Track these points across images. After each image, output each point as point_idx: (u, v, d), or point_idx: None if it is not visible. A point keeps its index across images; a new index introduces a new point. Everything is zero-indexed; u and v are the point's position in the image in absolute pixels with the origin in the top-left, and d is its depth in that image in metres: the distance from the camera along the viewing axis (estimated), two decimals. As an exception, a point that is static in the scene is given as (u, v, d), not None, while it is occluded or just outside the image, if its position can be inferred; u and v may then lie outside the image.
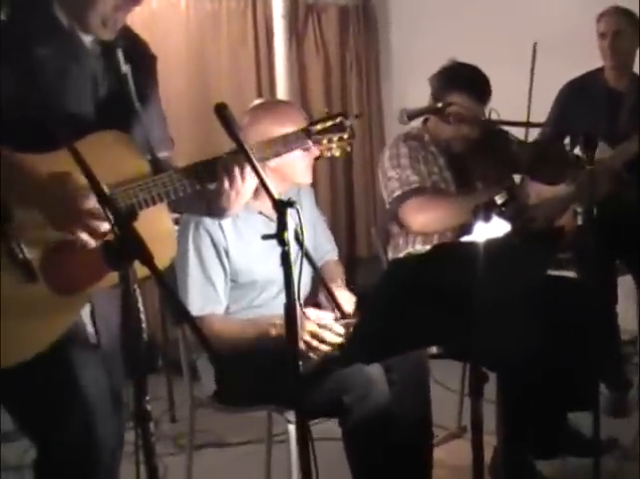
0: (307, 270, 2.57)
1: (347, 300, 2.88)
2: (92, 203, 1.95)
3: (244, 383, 2.70)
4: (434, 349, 3.02)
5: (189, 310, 2.77)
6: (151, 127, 2.23)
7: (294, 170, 2.84)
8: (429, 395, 2.87)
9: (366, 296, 2.55)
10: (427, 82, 3.39)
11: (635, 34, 3.97)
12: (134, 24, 2.30)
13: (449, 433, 3.66)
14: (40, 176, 1.97)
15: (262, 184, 1.99)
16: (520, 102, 3.04)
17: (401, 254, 3.36)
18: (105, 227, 1.95)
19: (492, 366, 2.49)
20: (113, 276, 1.72)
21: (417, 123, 3.36)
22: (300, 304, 2.11)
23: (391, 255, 3.45)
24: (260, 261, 2.82)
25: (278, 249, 1.89)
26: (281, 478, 2.89)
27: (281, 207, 1.90)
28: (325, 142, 2.36)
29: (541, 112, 3.87)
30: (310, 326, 2.68)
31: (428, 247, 2.92)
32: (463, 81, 3.29)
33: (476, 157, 3.37)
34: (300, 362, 1.96)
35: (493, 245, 2.09)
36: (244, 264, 2.85)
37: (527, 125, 3.10)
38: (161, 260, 1.97)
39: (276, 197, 1.93)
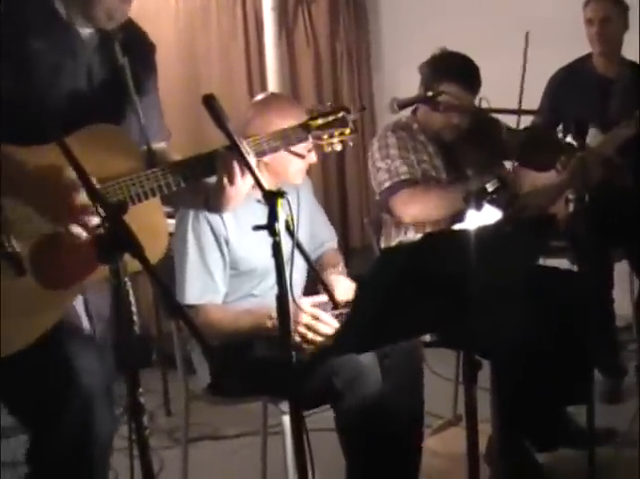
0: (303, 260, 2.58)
1: (346, 287, 2.88)
2: (83, 196, 1.94)
3: (238, 373, 2.70)
4: (427, 338, 3.03)
5: (186, 298, 2.79)
6: (147, 117, 2.22)
7: (287, 170, 2.84)
8: (421, 383, 2.87)
9: (357, 286, 2.54)
10: (418, 72, 3.39)
11: (622, 20, 3.97)
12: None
13: (444, 422, 3.66)
14: (32, 169, 1.97)
15: (252, 174, 1.99)
16: (511, 89, 3.03)
17: (392, 243, 3.36)
18: (95, 221, 1.95)
19: (485, 354, 2.49)
20: (102, 270, 1.71)
21: (406, 112, 3.36)
22: (294, 298, 2.11)
23: (383, 245, 3.45)
24: (259, 250, 2.81)
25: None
26: (277, 470, 2.89)
27: (271, 197, 1.90)
28: (326, 137, 2.36)
29: (532, 100, 3.87)
30: (305, 319, 2.68)
31: (419, 236, 2.92)
32: (453, 71, 3.29)
33: (466, 145, 3.36)
34: (294, 353, 1.96)
35: (485, 233, 2.09)
36: (244, 253, 2.85)
37: (519, 112, 3.09)
38: (153, 255, 1.97)
39: (266, 187, 1.93)
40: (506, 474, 3.05)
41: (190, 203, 2.43)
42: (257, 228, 1.91)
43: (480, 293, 2.08)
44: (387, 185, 3.31)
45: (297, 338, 2.64)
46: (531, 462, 3.10)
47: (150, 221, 2.12)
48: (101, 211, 1.72)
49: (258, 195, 2.80)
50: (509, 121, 3.35)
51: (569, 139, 3.03)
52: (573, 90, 4.01)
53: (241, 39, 5.27)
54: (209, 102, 2.02)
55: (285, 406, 2.68)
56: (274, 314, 2.57)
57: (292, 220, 2.01)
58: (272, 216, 1.89)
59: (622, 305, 4.02)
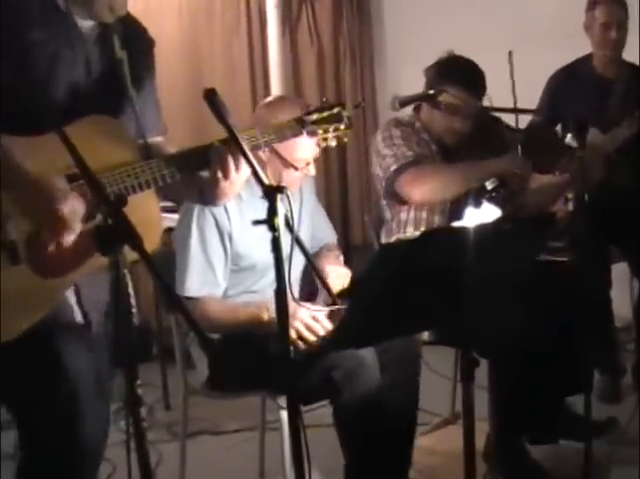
0: (301, 256, 2.58)
1: (343, 276, 2.89)
2: (69, 204, 1.96)
3: (236, 367, 2.71)
4: (426, 337, 3.03)
5: (186, 290, 2.79)
6: (144, 111, 2.22)
7: (294, 155, 2.82)
8: (418, 379, 2.87)
9: (357, 282, 2.55)
10: (421, 69, 3.38)
11: (627, 23, 3.98)
12: (127, 13, 2.30)
13: (442, 419, 3.66)
14: (26, 172, 1.97)
15: (252, 170, 1.99)
16: (511, 89, 3.03)
17: (392, 239, 3.36)
18: (79, 227, 1.96)
19: (483, 352, 2.50)
20: (97, 261, 1.71)
21: (408, 111, 3.36)
22: (292, 295, 2.11)
23: (383, 241, 3.45)
24: (261, 246, 2.81)
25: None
26: (275, 465, 2.90)
27: (271, 192, 1.90)
28: (321, 132, 2.36)
29: (532, 100, 3.88)
30: (305, 317, 2.69)
31: (418, 233, 2.93)
32: (458, 75, 3.28)
33: (468, 151, 3.35)
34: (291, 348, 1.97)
35: (484, 231, 2.09)
36: (246, 249, 2.85)
37: (517, 111, 3.09)
38: (146, 247, 1.97)
39: (266, 182, 1.93)
40: (504, 472, 3.07)
41: (185, 195, 2.42)
42: (257, 222, 1.91)
43: (479, 291, 2.09)
44: (394, 167, 3.27)
45: (292, 334, 2.64)
46: (528, 460, 3.10)
47: (144, 212, 2.11)
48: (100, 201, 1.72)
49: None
50: (509, 121, 3.36)
51: (569, 138, 3.03)
52: (573, 90, 4.00)
53: (244, 35, 5.28)
54: (210, 96, 2.02)
55: (283, 401, 2.68)
56: (271, 307, 2.59)
57: (292, 215, 2.01)
58: (271, 210, 1.89)
59: (621, 306, 4.02)
